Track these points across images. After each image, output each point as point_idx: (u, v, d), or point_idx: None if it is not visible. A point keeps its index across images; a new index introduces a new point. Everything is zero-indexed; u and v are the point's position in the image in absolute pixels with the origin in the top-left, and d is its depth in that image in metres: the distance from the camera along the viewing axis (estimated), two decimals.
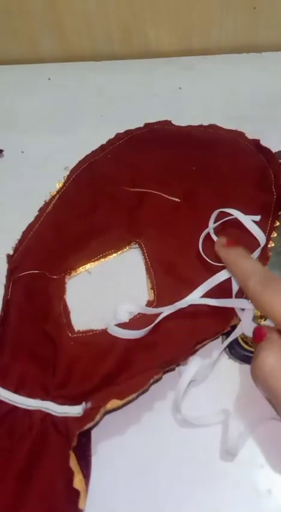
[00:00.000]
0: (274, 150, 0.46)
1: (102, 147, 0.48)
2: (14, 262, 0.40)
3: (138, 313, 0.36)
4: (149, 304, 0.37)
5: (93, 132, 0.52)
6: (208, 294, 0.36)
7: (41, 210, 0.44)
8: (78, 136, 0.52)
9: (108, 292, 0.39)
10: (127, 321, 0.36)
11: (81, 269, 0.40)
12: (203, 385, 0.34)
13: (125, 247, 0.41)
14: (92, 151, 0.48)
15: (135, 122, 0.52)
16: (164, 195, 0.43)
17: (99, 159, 0.47)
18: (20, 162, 0.51)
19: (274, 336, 0.30)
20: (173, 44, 0.62)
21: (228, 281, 0.37)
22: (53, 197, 0.45)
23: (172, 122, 0.51)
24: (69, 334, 0.35)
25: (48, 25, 0.61)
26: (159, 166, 0.46)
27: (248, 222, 0.39)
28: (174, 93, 0.57)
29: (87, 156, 0.48)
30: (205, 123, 0.50)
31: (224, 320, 0.35)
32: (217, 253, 0.36)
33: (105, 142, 0.49)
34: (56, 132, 0.54)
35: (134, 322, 0.36)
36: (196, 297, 0.36)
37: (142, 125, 0.51)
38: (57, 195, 0.45)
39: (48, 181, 0.47)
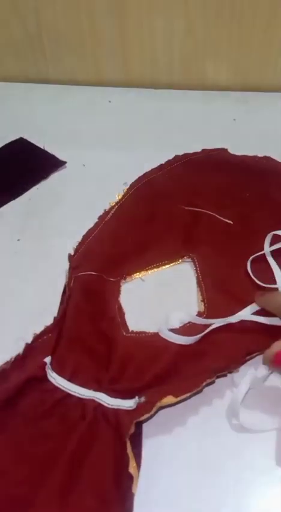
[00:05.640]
0: None
1: (161, 166, 0.52)
2: (75, 261, 0.42)
3: (189, 322, 0.38)
4: (199, 315, 0.39)
5: (151, 153, 0.55)
6: (256, 312, 0.38)
7: (101, 218, 0.47)
8: (137, 155, 0.55)
9: (159, 300, 0.41)
10: (177, 327, 0.38)
11: (136, 275, 0.42)
12: (258, 395, 0.35)
13: (179, 260, 0.43)
14: (151, 169, 0.51)
15: (190, 148, 0.55)
16: (218, 216, 0.46)
17: (158, 177, 0.50)
18: (81, 175, 0.54)
19: None
20: (230, 79, 0.66)
21: None
22: (112, 207, 0.48)
23: (228, 150, 0.53)
24: (124, 333, 0.37)
25: (115, 51, 0.65)
26: (214, 190, 0.48)
27: None
28: (229, 124, 0.60)
29: (146, 173, 0.51)
30: (258, 154, 0.53)
31: (272, 336, 0.36)
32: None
33: (163, 162, 0.52)
34: (115, 149, 0.57)
35: (184, 330, 0.38)
36: (247, 314, 0.38)
37: (197, 151, 0.54)
38: (116, 206, 0.48)
39: (108, 193, 0.50)
